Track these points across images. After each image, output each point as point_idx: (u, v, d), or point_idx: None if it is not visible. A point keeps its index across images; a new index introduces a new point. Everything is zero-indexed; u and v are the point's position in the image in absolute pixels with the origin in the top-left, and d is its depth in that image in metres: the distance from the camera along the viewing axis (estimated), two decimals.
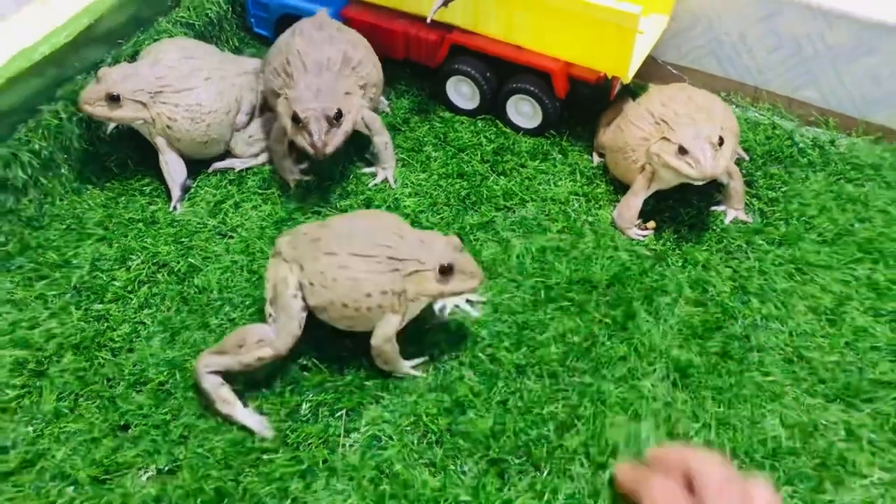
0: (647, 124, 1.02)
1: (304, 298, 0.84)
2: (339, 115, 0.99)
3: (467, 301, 0.94)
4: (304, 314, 0.85)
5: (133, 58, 1.12)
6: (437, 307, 0.90)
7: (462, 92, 1.19)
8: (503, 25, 1.11)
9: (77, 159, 1.08)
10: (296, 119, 0.98)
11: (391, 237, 0.83)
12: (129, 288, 0.96)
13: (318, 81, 1.02)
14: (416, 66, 1.24)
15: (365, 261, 0.82)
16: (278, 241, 0.88)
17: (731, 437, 0.82)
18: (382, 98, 1.19)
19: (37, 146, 1.03)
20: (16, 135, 1.02)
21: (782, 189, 1.09)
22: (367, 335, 0.84)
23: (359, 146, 1.14)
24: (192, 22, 1.21)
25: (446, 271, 0.81)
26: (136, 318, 0.93)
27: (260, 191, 1.09)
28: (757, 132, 1.17)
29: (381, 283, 0.82)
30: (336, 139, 0.99)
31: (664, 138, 0.98)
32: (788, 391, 0.87)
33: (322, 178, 1.10)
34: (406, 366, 0.87)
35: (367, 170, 1.12)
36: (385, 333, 0.83)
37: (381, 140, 1.09)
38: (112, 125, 1.10)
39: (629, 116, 1.06)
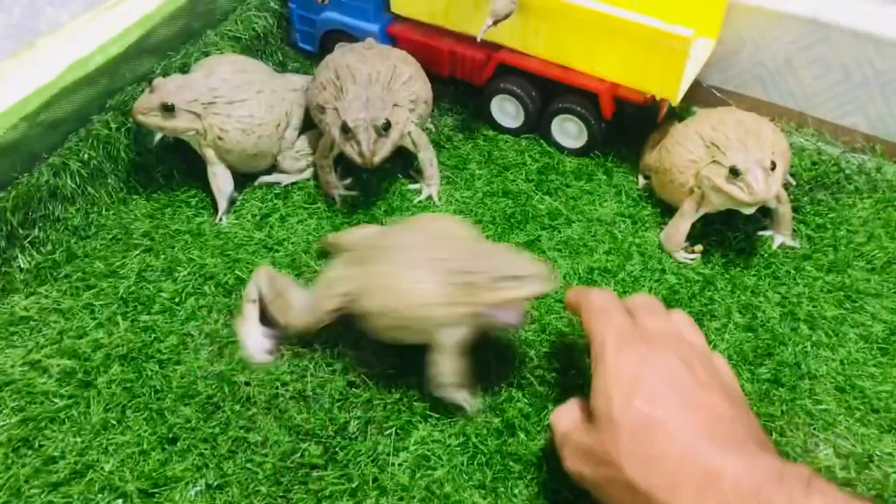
0: (696, 147, 1.02)
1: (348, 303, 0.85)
2: (387, 125, 0.99)
3: None
4: (334, 316, 0.87)
5: (182, 69, 1.13)
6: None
7: (506, 110, 1.19)
8: (551, 46, 1.11)
9: (124, 169, 1.09)
10: (345, 128, 0.99)
11: (450, 247, 0.83)
12: (176, 299, 0.95)
13: (367, 93, 1.02)
14: (460, 84, 1.25)
15: (422, 271, 0.81)
16: (340, 239, 0.97)
17: None
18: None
19: (86, 156, 1.03)
20: (66, 144, 1.03)
21: (829, 215, 1.08)
22: (416, 352, 0.83)
23: (404, 162, 1.14)
24: (239, 35, 1.22)
25: None
26: (183, 329, 0.92)
27: (305, 205, 1.09)
28: (802, 157, 1.16)
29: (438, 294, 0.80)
30: (384, 149, 1.00)
31: (715, 161, 0.98)
32: (841, 420, 0.86)
33: (367, 193, 1.10)
34: (462, 395, 0.84)
35: (412, 186, 1.12)
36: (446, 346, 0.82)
37: (427, 156, 1.09)
38: (159, 136, 1.10)
39: (677, 138, 1.05)
